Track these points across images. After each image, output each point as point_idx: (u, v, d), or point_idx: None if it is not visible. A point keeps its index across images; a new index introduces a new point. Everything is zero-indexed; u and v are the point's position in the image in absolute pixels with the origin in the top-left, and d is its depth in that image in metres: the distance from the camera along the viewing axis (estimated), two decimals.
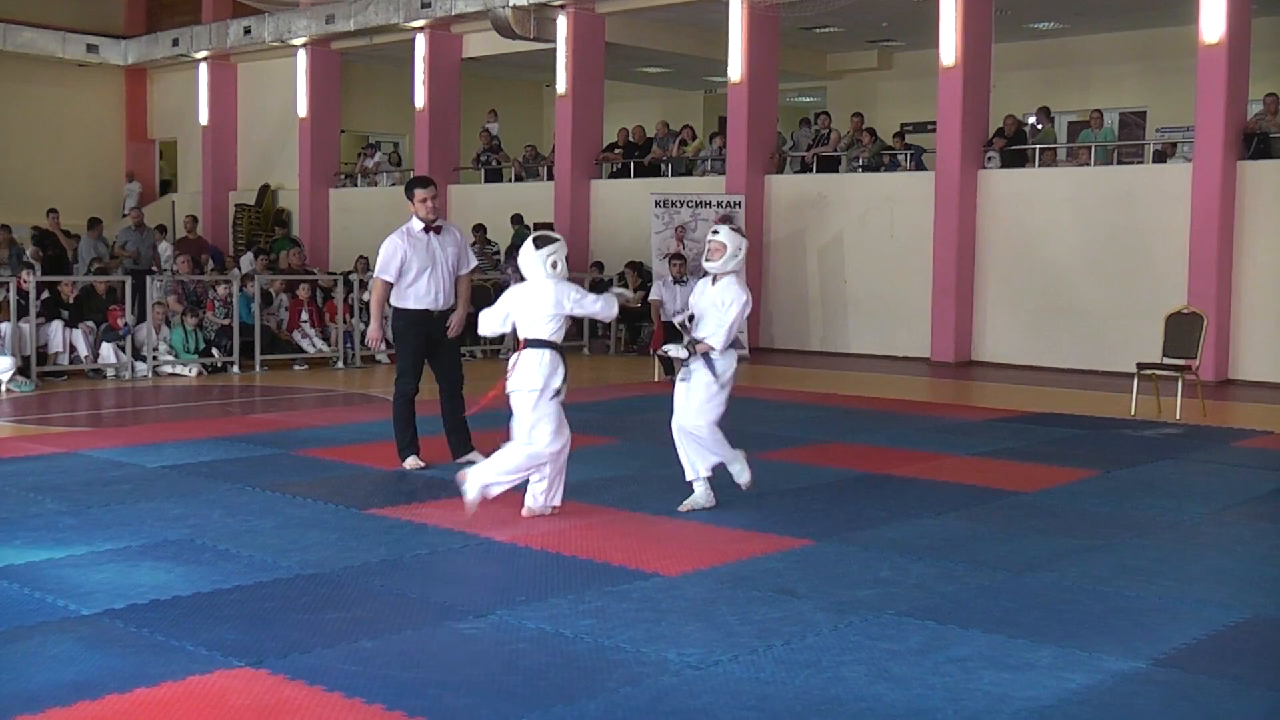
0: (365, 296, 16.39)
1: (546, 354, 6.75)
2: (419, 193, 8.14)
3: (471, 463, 8.34)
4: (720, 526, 6.71)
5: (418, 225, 8.16)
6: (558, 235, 7.03)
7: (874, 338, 17.28)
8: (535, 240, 6.87)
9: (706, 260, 7.08)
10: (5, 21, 23.83)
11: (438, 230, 8.20)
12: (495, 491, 6.84)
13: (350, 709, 4.04)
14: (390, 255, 8.04)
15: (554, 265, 6.78)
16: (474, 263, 8.55)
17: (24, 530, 6.46)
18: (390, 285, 8.10)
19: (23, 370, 12.94)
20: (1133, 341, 13.98)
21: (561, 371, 6.79)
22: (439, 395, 8.38)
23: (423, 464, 8.23)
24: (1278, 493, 8.00)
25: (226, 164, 25.95)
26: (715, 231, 7.12)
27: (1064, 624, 5.04)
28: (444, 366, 8.34)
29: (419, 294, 8.12)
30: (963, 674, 4.43)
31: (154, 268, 17.27)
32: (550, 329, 6.79)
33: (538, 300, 6.78)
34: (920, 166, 17.50)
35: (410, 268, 8.07)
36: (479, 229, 19.40)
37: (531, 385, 6.72)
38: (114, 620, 4.94)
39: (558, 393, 6.78)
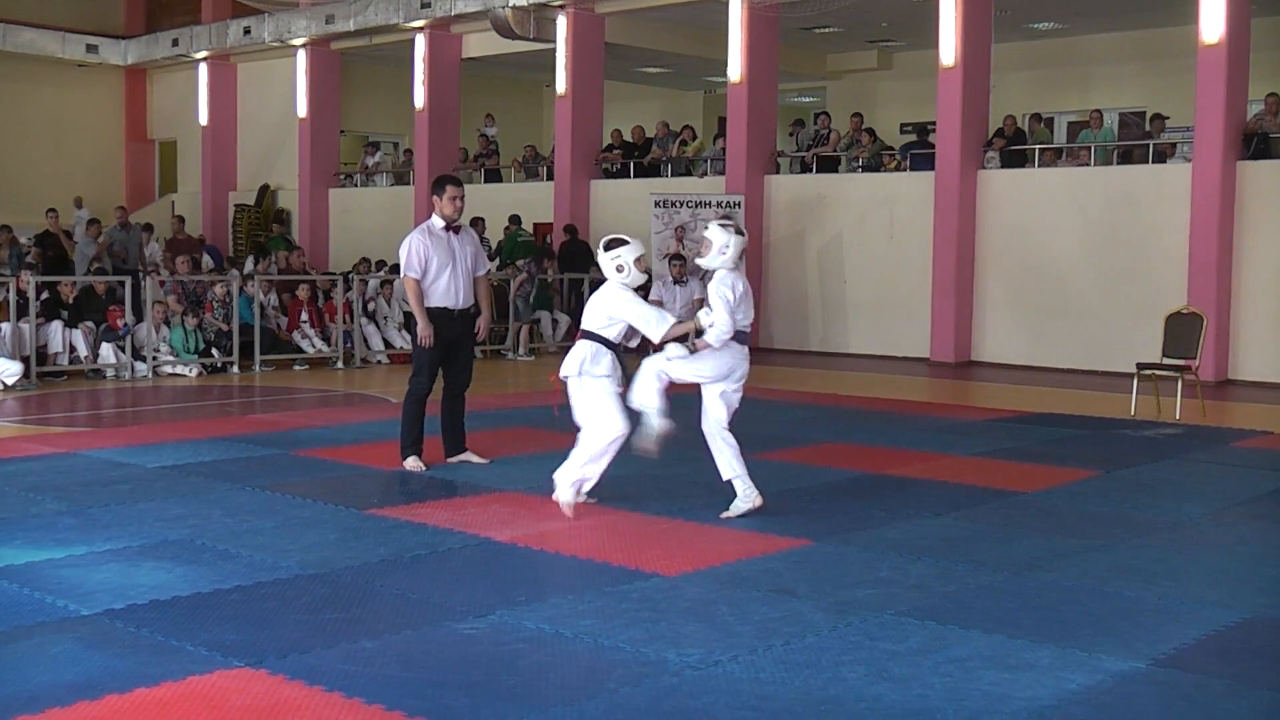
0: (369, 294, 16.44)
1: (591, 346, 6.89)
2: (450, 189, 8.09)
3: (466, 463, 8.37)
4: (720, 526, 6.71)
5: (438, 223, 8.14)
6: (629, 239, 6.99)
7: (874, 338, 17.28)
8: (605, 244, 7.00)
9: (698, 257, 7.05)
10: (5, 21, 23.84)
11: (456, 230, 8.20)
12: (588, 486, 7.05)
13: (350, 709, 4.04)
14: (413, 252, 8.03)
15: (618, 269, 6.89)
16: (489, 265, 8.53)
17: (24, 530, 6.46)
18: (419, 282, 8.07)
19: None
20: (1133, 341, 13.99)
21: (606, 361, 6.87)
22: (442, 393, 8.38)
23: (423, 466, 8.22)
24: (1278, 493, 8.00)
25: (226, 164, 25.96)
26: (706, 226, 7.05)
27: (1064, 624, 5.04)
28: (455, 367, 8.33)
29: (439, 292, 8.09)
30: (963, 674, 4.43)
31: (140, 267, 17.26)
32: (601, 325, 6.92)
33: (600, 299, 6.97)
34: (921, 166, 17.48)
35: (431, 265, 8.05)
36: (477, 222, 19.46)
37: (566, 371, 6.90)
38: (114, 620, 4.94)
39: (610, 378, 6.89)
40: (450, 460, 8.39)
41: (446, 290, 8.10)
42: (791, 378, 14.59)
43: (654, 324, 6.84)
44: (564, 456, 8.71)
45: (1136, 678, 4.44)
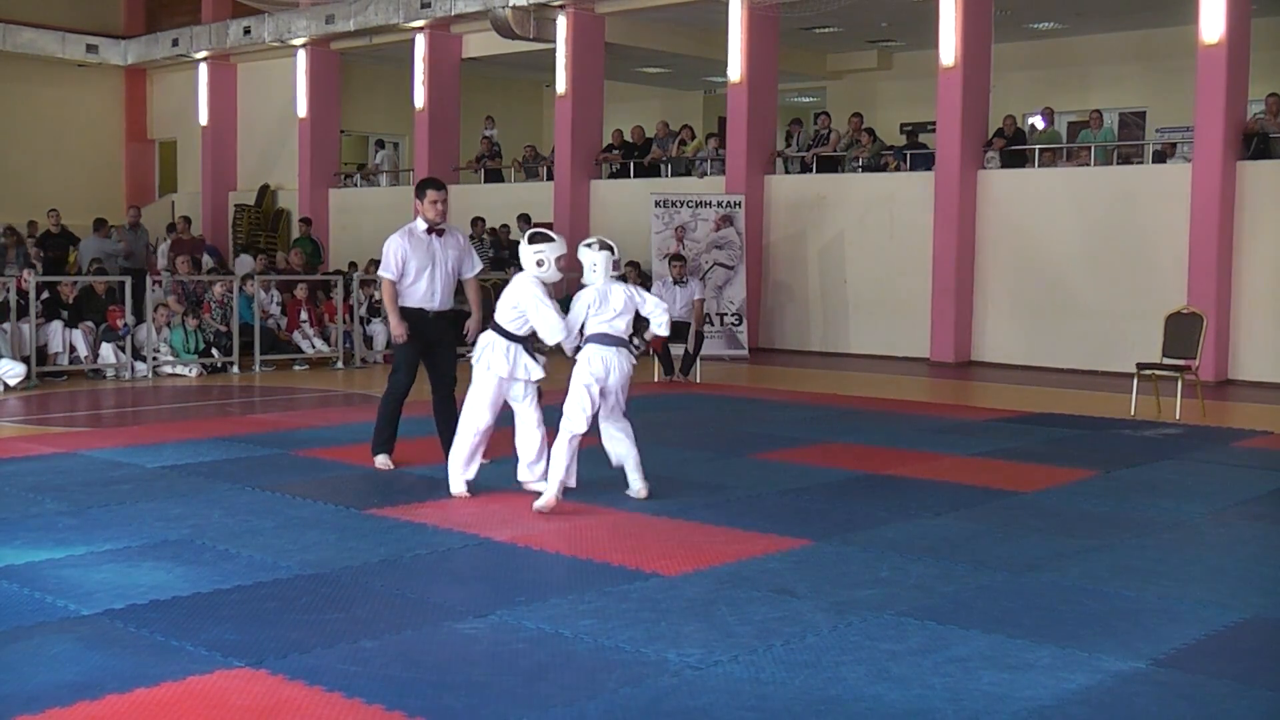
0: (375, 295, 16.43)
1: (492, 337, 7.31)
2: (431, 193, 8.16)
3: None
4: (720, 526, 6.71)
5: (421, 225, 8.19)
6: (554, 236, 7.34)
7: (874, 338, 17.28)
8: (530, 236, 7.34)
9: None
10: (5, 21, 23.83)
11: (440, 233, 8.23)
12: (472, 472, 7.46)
13: (350, 709, 4.04)
14: (391, 253, 8.12)
15: (539, 263, 7.23)
16: (479, 266, 8.57)
17: (24, 530, 6.46)
18: (395, 283, 8.13)
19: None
20: (1133, 341, 13.99)
21: (502, 356, 7.26)
22: (432, 396, 8.42)
23: (391, 465, 8.29)
24: (1278, 493, 8.00)
25: (226, 164, 25.95)
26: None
27: (1064, 624, 5.04)
28: (438, 368, 8.38)
29: (417, 294, 8.15)
30: (963, 674, 4.43)
31: (144, 266, 17.29)
32: (509, 319, 7.30)
33: (512, 291, 7.31)
34: (923, 166, 17.48)
35: (410, 267, 8.10)
36: (477, 222, 19.53)
37: (474, 360, 7.36)
38: (114, 620, 4.94)
39: (506, 377, 7.33)
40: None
41: (425, 292, 8.17)
42: (791, 378, 14.59)
43: (554, 331, 7.13)
44: None
45: (1136, 678, 4.44)
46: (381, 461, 8.27)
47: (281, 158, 24.64)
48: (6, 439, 9.68)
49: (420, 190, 8.23)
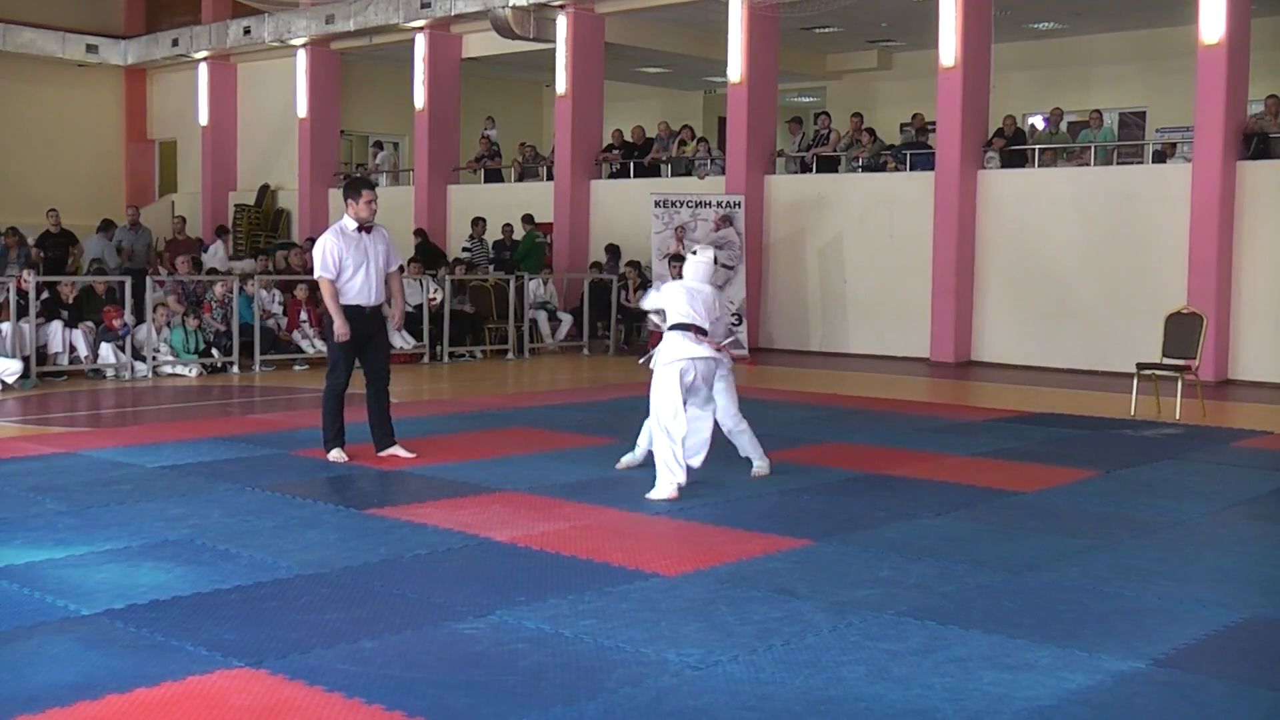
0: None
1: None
2: (365, 193, 8.36)
3: (395, 456, 8.53)
4: (720, 526, 6.71)
5: (350, 224, 8.38)
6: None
7: (874, 338, 17.28)
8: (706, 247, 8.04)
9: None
10: (5, 21, 23.84)
11: (369, 230, 8.40)
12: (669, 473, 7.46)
13: (350, 709, 4.04)
14: (328, 252, 8.29)
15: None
16: (399, 261, 8.78)
17: (24, 530, 6.46)
18: (333, 282, 8.30)
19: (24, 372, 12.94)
20: (1133, 341, 13.98)
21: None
22: (365, 390, 8.62)
23: (345, 457, 8.42)
24: (1278, 493, 8.00)
25: (226, 164, 25.95)
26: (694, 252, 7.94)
27: (1064, 624, 5.04)
28: (373, 363, 8.59)
29: (353, 291, 8.35)
30: (963, 674, 4.43)
31: (146, 266, 17.27)
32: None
33: (707, 296, 7.78)
34: (923, 166, 17.48)
35: (346, 265, 8.31)
36: (478, 222, 19.54)
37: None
38: (114, 620, 4.94)
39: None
40: (381, 454, 8.62)
41: (360, 289, 8.37)
42: (791, 378, 14.59)
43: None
44: (564, 457, 8.73)
45: (1136, 678, 4.44)
46: (335, 455, 8.47)
47: (281, 158, 24.64)
48: (6, 439, 9.67)
49: (355, 190, 8.40)
